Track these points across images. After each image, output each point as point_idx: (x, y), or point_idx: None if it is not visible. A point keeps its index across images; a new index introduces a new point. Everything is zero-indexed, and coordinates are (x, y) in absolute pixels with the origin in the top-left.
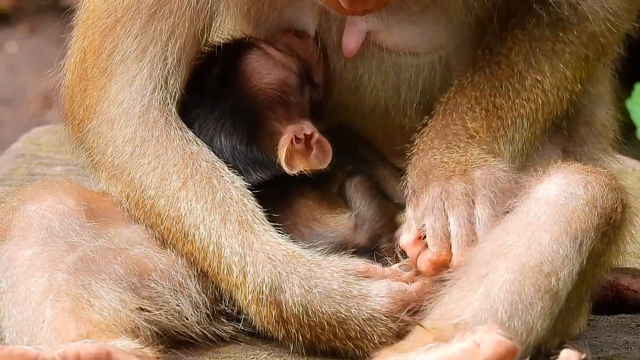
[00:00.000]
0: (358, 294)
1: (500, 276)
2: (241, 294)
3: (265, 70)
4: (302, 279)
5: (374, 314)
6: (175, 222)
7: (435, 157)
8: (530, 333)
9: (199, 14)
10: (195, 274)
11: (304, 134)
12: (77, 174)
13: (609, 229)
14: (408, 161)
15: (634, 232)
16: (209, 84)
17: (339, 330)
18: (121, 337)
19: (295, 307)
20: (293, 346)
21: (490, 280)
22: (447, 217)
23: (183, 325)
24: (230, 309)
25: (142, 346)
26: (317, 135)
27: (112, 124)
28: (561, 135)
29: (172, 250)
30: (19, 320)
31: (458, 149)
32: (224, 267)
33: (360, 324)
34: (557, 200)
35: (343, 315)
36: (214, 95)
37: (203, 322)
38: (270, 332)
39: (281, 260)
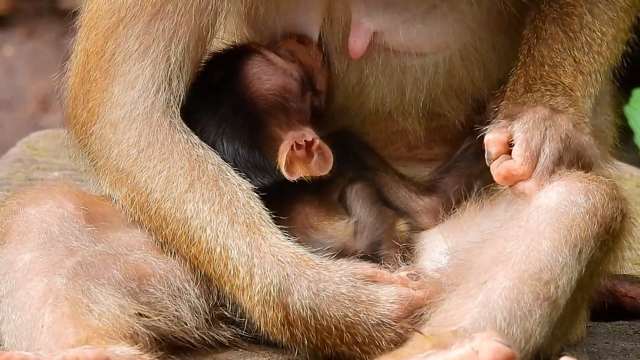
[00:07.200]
0: (367, 299)
1: (499, 283)
2: (246, 295)
3: (266, 76)
4: (311, 282)
5: (383, 320)
6: (181, 225)
7: (529, 101)
8: (528, 340)
9: (202, 13)
10: (195, 278)
11: (305, 140)
12: (75, 179)
13: (608, 237)
14: (495, 106)
15: (631, 241)
16: (211, 88)
17: (346, 335)
18: (120, 342)
19: (302, 309)
20: (297, 350)
21: (489, 287)
22: (544, 141)
23: (182, 330)
24: (231, 314)
25: (141, 352)
26: (318, 141)
27: (115, 126)
28: None
29: (175, 255)
30: (18, 324)
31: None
32: (230, 269)
33: (369, 329)
34: (557, 208)
35: (351, 320)
36: (215, 99)
37: (202, 327)
38: (274, 335)
39: (290, 263)
